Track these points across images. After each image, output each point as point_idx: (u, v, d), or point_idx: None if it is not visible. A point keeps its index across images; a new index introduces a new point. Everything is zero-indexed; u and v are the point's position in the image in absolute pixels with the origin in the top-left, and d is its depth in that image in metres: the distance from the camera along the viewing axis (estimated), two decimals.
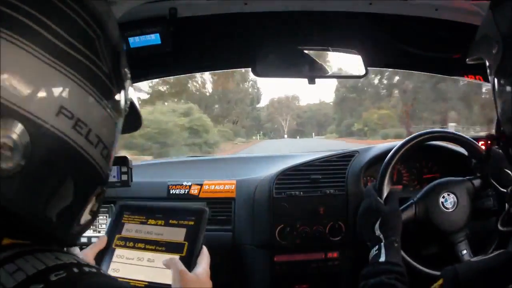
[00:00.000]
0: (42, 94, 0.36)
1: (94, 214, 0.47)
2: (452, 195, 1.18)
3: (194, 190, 1.45)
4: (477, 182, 1.20)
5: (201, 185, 1.45)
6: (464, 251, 1.16)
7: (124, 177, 1.32)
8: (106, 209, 1.39)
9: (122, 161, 1.33)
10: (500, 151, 0.70)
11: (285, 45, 1.25)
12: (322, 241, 1.35)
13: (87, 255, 0.75)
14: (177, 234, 0.78)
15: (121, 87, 0.46)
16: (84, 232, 0.48)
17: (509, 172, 1.02)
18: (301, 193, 1.36)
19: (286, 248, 1.35)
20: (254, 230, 1.38)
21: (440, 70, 1.47)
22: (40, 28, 0.36)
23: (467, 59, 0.72)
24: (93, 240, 1.32)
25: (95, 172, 0.43)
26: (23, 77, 0.35)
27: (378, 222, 1.03)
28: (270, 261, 1.36)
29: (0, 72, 0.34)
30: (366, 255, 1.04)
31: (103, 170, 0.44)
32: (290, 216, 1.34)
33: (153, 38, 1.11)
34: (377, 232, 1.02)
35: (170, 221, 0.80)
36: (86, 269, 0.38)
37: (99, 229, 1.37)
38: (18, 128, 0.35)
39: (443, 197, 1.18)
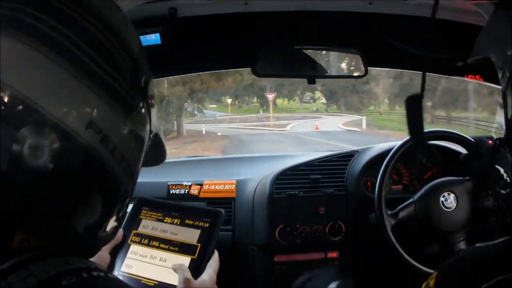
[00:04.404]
0: (74, 108, 0.40)
1: (115, 229, 0.49)
2: (452, 195, 1.18)
3: (194, 190, 1.45)
4: (476, 181, 1.20)
5: (201, 185, 1.45)
6: None
7: None
8: None
9: None
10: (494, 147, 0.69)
11: (285, 45, 1.25)
12: (322, 241, 1.35)
13: (102, 250, 0.76)
14: (191, 235, 0.80)
15: (146, 113, 0.49)
16: (102, 246, 0.50)
17: (499, 168, 1.01)
18: (301, 193, 1.36)
19: (286, 248, 1.35)
20: (254, 230, 1.38)
21: (440, 70, 1.47)
22: (76, 49, 0.40)
23: (468, 59, 0.71)
24: None
25: (118, 187, 0.46)
26: (59, 91, 0.40)
27: None
28: (270, 261, 1.36)
29: (39, 85, 0.39)
30: (366, 255, 1.04)
31: (126, 187, 0.47)
32: (290, 216, 1.35)
33: (153, 38, 1.10)
34: None
35: (186, 221, 0.82)
36: (95, 273, 0.40)
37: None
38: (51, 135, 0.39)
39: (443, 196, 1.18)
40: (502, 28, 0.60)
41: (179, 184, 1.46)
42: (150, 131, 0.51)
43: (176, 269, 0.74)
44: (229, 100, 23.38)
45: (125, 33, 0.47)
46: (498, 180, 1.03)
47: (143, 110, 0.48)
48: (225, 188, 1.45)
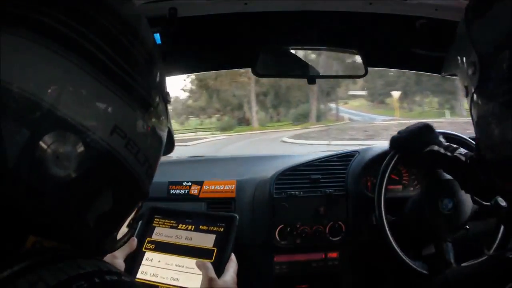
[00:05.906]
0: (100, 113, 0.39)
1: (131, 227, 0.49)
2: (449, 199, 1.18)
3: (194, 190, 1.45)
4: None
5: (201, 185, 1.45)
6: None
7: None
8: None
9: None
10: None
11: (285, 45, 1.25)
12: (322, 241, 1.35)
13: (117, 257, 0.76)
14: (207, 240, 0.79)
15: (164, 110, 0.48)
16: (121, 244, 0.49)
17: (432, 147, 1.03)
18: (301, 193, 1.36)
19: (286, 248, 1.35)
20: (254, 230, 1.38)
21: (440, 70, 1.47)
22: (95, 49, 0.39)
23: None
24: None
25: (139, 188, 0.45)
26: (82, 95, 0.38)
27: None
28: (270, 261, 1.36)
29: (62, 90, 0.37)
30: (366, 255, 1.04)
31: (146, 187, 0.47)
32: (290, 216, 1.34)
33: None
34: None
35: (201, 227, 0.81)
36: (108, 277, 0.38)
37: None
38: (75, 142, 0.38)
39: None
40: (463, 46, 0.57)
41: (179, 184, 1.46)
42: (168, 126, 0.50)
43: (199, 266, 0.73)
44: (396, 94, 15.78)
45: (139, 27, 0.46)
46: (440, 159, 1.03)
47: (160, 107, 0.47)
48: (225, 188, 1.45)
